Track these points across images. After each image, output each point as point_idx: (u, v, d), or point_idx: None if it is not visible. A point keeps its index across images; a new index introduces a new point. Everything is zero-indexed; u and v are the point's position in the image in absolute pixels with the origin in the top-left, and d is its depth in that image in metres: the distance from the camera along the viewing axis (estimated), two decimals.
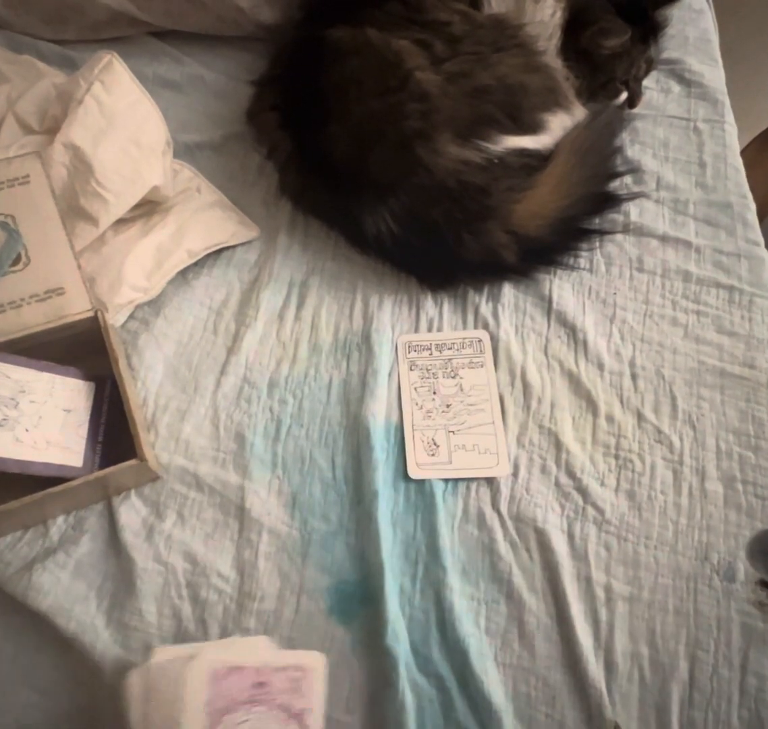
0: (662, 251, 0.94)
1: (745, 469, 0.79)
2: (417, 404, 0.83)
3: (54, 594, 0.70)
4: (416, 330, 0.88)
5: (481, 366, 0.85)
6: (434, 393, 0.84)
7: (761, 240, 0.95)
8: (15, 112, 0.89)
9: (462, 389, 0.84)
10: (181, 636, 0.70)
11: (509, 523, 0.76)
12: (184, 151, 0.98)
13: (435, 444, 0.80)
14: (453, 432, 0.81)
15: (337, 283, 0.91)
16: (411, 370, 0.85)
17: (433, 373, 0.85)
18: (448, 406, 0.83)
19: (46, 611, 0.69)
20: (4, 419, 0.68)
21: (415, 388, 0.84)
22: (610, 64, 0.96)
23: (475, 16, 0.93)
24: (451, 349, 0.86)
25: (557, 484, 0.78)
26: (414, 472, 0.78)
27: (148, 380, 0.82)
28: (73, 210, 0.81)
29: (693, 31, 1.15)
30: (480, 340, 0.86)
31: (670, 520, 0.76)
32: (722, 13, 1.22)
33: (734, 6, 1.33)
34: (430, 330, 0.88)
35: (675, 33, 1.08)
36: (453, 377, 0.84)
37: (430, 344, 0.87)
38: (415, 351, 0.86)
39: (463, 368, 0.85)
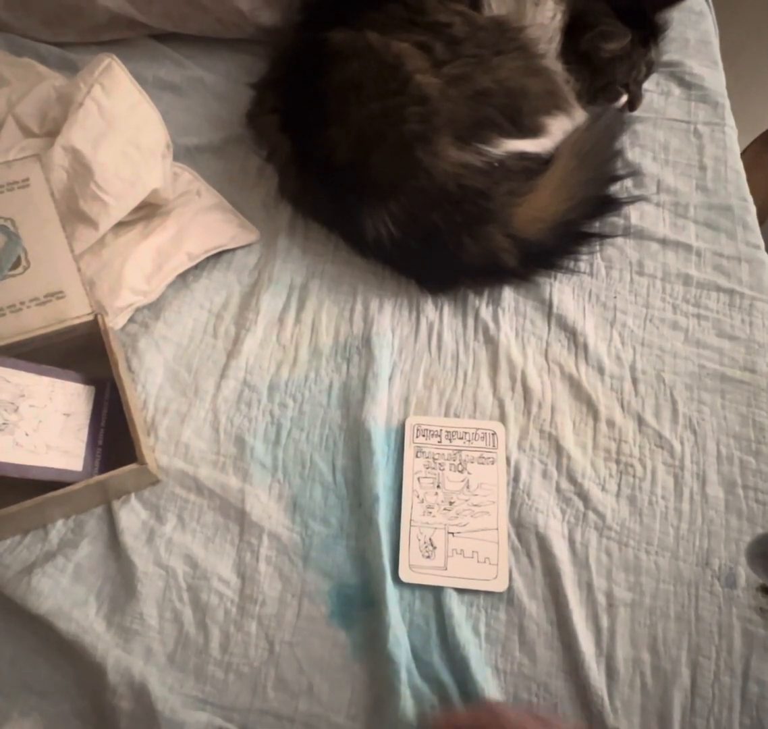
0: (662, 254, 0.94)
1: (746, 474, 0.79)
2: (418, 496, 0.77)
3: (53, 598, 0.70)
4: (416, 334, 0.87)
5: (492, 462, 0.79)
6: (438, 486, 0.78)
7: (761, 243, 0.95)
8: (15, 115, 0.88)
9: (468, 486, 0.78)
10: (182, 640, 0.70)
11: (510, 529, 0.75)
12: (184, 154, 0.98)
13: (432, 545, 0.75)
14: (453, 534, 0.75)
15: (337, 287, 0.91)
16: (417, 456, 0.79)
17: (439, 464, 0.79)
18: (451, 503, 0.77)
19: (45, 615, 0.69)
20: (4, 423, 0.68)
21: (419, 478, 0.78)
22: (611, 67, 0.96)
23: (475, 18, 0.93)
24: (462, 438, 0.80)
25: (558, 489, 0.78)
26: (406, 576, 0.73)
27: (148, 383, 0.82)
28: (73, 213, 0.81)
29: (693, 33, 1.15)
30: (494, 433, 0.81)
31: (671, 525, 0.76)
32: (722, 16, 1.22)
33: (734, 8, 1.33)
34: (429, 334, 0.87)
35: (675, 36, 1.09)
36: (460, 471, 0.79)
37: (441, 430, 0.81)
38: (424, 436, 0.81)
39: (472, 462, 0.79)
